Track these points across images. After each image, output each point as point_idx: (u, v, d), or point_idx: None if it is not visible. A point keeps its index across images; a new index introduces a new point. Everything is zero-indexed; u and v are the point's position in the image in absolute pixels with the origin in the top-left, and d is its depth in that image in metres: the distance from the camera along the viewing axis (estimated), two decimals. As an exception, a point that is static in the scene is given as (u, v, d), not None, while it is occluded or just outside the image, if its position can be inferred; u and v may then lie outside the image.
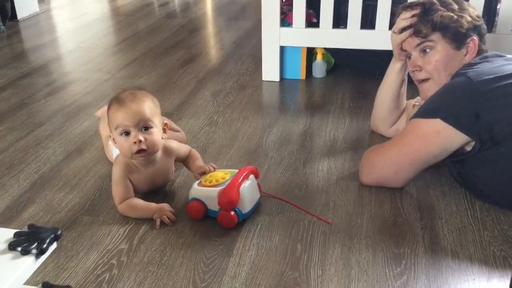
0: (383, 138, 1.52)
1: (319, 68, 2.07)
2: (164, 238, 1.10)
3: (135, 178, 1.19)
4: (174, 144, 1.26)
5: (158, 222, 1.14)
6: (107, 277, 0.99)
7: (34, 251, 0.59)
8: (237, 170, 1.18)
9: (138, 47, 2.58)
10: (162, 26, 2.99)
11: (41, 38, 2.79)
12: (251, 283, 0.97)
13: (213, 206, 1.13)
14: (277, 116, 1.73)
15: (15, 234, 0.62)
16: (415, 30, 1.30)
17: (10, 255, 0.59)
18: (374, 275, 0.99)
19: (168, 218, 1.14)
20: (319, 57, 2.06)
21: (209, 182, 1.16)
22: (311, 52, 2.09)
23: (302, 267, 1.01)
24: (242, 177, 1.14)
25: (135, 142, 1.12)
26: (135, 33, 2.86)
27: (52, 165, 1.41)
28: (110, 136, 1.19)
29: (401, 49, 1.37)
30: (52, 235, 0.62)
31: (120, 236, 1.11)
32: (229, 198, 1.10)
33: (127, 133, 1.13)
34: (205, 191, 1.15)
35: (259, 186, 1.21)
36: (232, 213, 1.11)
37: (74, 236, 1.10)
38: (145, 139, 1.13)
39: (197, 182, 1.19)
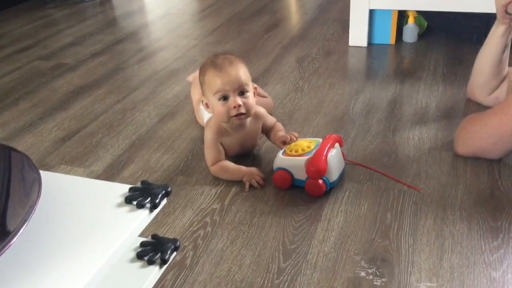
0: (481, 107, 1.44)
1: (411, 32, 1.98)
2: (253, 200, 1.14)
3: (226, 142, 1.23)
4: (263, 111, 1.28)
5: (247, 185, 1.17)
6: (201, 234, 1.04)
7: (148, 205, 0.63)
8: (320, 139, 1.18)
9: (223, 13, 2.61)
10: (245, -9, 2.99)
11: (131, 5, 2.90)
12: (340, 248, 0.98)
13: (300, 175, 1.14)
14: (365, 83, 1.69)
15: (130, 189, 0.66)
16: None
17: (126, 208, 0.64)
18: (468, 247, 0.96)
19: (257, 182, 1.17)
20: (410, 20, 1.96)
21: (295, 152, 1.16)
22: (402, 15, 2.00)
23: (392, 235, 1.01)
24: (328, 145, 1.13)
25: (234, 107, 1.15)
26: (219, -1, 2.89)
27: (148, 127, 1.49)
28: (202, 101, 1.23)
29: (506, 12, 1.28)
30: (164, 191, 0.66)
31: (212, 196, 1.16)
32: (317, 167, 1.10)
33: (225, 98, 1.16)
34: (291, 161, 1.15)
35: (343, 154, 1.21)
36: (321, 181, 1.11)
37: (170, 195, 1.17)
38: (243, 103, 1.16)
39: (281, 151, 1.19)
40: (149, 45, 2.22)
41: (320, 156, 1.11)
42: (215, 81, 1.15)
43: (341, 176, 1.18)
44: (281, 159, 1.17)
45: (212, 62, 1.18)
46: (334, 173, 1.14)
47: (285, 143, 1.21)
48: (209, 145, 1.22)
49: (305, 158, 1.13)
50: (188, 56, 2.04)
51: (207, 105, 1.21)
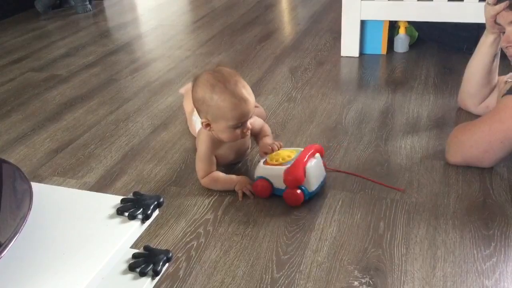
0: (471, 116, 1.45)
1: (402, 42, 2.00)
2: (246, 210, 1.14)
3: (220, 152, 1.23)
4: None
5: (240, 194, 1.17)
6: (195, 245, 1.04)
7: (139, 216, 0.63)
8: (301, 149, 1.18)
9: (215, 24, 2.63)
10: (238, 3, 3.01)
11: (124, 17, 2.91)
12: (333, 258, 0.98)
13: (280, 184, 1.14)
14: (357, 93, 1.70)
15: (122, 200, 0.66)
16: (511, 3, 1.22)
17: (118, 219, 0.64)
18: (461, 256, 0.97)
19: (250, 191, 1.17)
20: (401, 30, 1.98)
21: (275, 161, 1.16)
22: (393, 26, 2.02)
23: (386, 245, 1.01)
24: (307, 155, 1.13)
25: (245, 131, 1.15)
26: (212, 10, 2.90)
27: (141, 138, 1.49)
28: (202, 122, 1.18)
29: (495, 22, 1.30)
30: (156, 202, 0.66)
31: (205, 207, 1.16)
32: (294, 176, 1.10)
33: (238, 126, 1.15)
34: (271, 170, 1.15)
35: (324, 164, 1.21)
36: (298, 191, 1.11)
37: (163, 205, 1.16)
38: (251, 125, 1.17)
39: (262, 160, 1.20)
40: (142, 56, 2.22)
41: (298, 165, 1.11)
42: (234, 111, 1.11)
43: (322, 186, 1.18)
44: (262, 168, 1.17)
45: (225, 86, 1.11)
46: (313, 182, 1.14)
47: (267, 153, 1.21)
48: (202, 158, 1.22)
49: (284, 167, 1.13)
50: (181, 67, 2.05)
51: (207, 126, 1.17)
